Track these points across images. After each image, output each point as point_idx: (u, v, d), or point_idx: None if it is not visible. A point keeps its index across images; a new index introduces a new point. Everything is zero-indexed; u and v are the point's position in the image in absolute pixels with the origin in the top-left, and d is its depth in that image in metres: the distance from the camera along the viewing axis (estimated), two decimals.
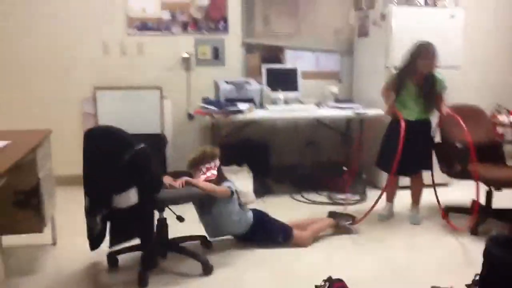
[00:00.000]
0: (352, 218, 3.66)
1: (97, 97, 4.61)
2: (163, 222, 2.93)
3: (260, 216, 3.38)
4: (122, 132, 2.52)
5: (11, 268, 2.84)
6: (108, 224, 2.71)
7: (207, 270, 2.89)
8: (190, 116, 4.83)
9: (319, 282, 2.60)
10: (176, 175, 4.43)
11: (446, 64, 4.61)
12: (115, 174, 2.43)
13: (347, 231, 3.59)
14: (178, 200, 2.84)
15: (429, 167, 3.78)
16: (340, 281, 2.60)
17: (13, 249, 3.15)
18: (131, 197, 2.45)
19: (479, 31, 5.45)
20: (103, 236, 2.75)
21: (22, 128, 3.35)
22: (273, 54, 5.21)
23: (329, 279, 2.60)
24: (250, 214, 3.33)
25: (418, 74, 3.70)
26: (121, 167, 2.41)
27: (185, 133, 4.94)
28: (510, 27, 5.64)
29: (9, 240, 3.03)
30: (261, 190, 4.42)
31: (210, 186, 3.02)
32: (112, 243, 2.75)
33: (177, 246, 3.13)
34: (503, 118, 4.03)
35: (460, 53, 4.74)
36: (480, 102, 4.17)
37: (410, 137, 3.57)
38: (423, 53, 3.66)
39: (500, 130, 4.38)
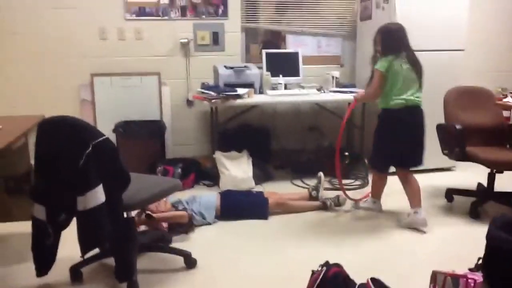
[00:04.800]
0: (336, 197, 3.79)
1: (95, 84, 4.57)
2: (130, 221, 2.60)
3: (228, 197, 3.59)
4: (81, 122, 2.27)
5: (5, 256, 2.82)
6: (67, 231, 2.36)
7: (190, 263, 2.73)
8: (189, 102, 4.77)
9: (316, 267, 2.53)
10: (175, 162, 4.43)
11: (450, 46, 4.54)
12: (77, 171, 2.17)
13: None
14: (149, 202, 2.67)
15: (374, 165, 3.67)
16: (337, 266, 2.53)
17: (6, 237, 3.11)
18: (98, 195, 2.21)
19: (483, 13, 5.32)
20: (54, 255, 2.39)
21: None
22: (274, 39, 5.14)
23: (326, 264, 2.54)
24: (212, 200, 3.50)
25: None
26: (84, 163, 2.17)
27: (184, 119, 4.89)
28: None
29: (2, 227, 2.98)
30: (261, 176, 4.36)
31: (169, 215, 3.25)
32: (83, 250, 2.31)
33: (151, 244, 2.97)
34: (509, 100, 3.91)
35: (464, 36, 4.62)
36: (483, 85, 4.07)
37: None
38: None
39: (505, 113, 4.28)
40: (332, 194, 3.92)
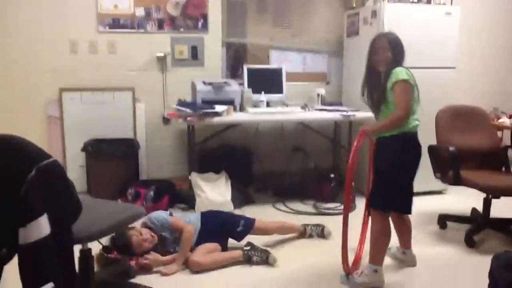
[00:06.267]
0: (321, 227, 3.40)
1: (63, 99, 4.27)
2: (87, 254, 2.27)
3: (211, 214, 3.22)
4: (24, 141, 1.95)
5: None
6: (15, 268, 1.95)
7: None
8: (165, 120, 4.48)
9: None
10: (148, 183, 4.12)
11: (441, 64, 4.34)
12: (18, 199, 1.85)
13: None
14: (105, 234, 2.27)
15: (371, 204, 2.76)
16: None
17: None
18: (42, 226, 1.89)
19: (476, 30, 5.15)
20: None
21: None
22: (256, 54, 4.89)
23: None
24: (194, 219, 3.11)
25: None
26: (26, 190, 1.85)
27: (160, 138, 4.58)
28: (508, 27, 5.33)
29: None
30: (240, 199, 4.06)
31: (186, 245, 2.88)
32: None
33: (110, 280, 2.65)
34: (504, 121, 3.68)
35: (455, 53, 4.42)
36: (473, 104, 3.85)
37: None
38: (371, 48, 2.76)
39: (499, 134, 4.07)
40: (317, 219, 3.64)
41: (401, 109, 2.53)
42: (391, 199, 2.63)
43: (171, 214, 3.06)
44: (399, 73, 2.56)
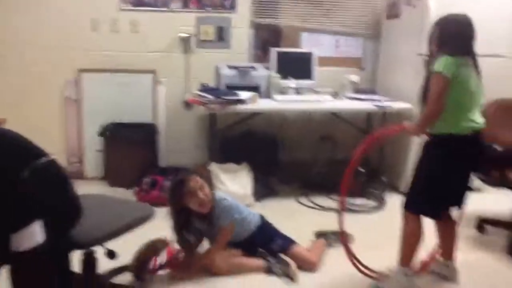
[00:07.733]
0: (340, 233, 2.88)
1: (82, 80, 4.09)
2: (90, 257, 2.13)
3: (264, 221, 2.88)
4: (16, 137, 1.75)
5: None
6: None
7: None
8: (187, 105, 4.25)
9: None
10: (166, 171, 3.93)
11: (492, 52, 3.93)
12: (10, 202, 1.65)
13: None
14: (108, 239, 2.02)
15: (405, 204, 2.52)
16: None
17: None
18: (36, 233, 1.69)
19: None
20: None
21: None
22: (287, 36, 4.59)
23: None
24: (255, 219, 2.81)
25: None
26: (18, 192, 1.65)
27: (180, 123, 4.36)
28: None
29: None
30: (262, 191, 3.84)
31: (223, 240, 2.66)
32: None
33: (112, 285, 2.46)
34: None
35: (506, 40, 4.01)
36: None
37: None
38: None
39: None
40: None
41: (429, 103, 2.31)
42: (424, 203, 2.43)
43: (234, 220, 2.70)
44: (439, 62, 2.29)
